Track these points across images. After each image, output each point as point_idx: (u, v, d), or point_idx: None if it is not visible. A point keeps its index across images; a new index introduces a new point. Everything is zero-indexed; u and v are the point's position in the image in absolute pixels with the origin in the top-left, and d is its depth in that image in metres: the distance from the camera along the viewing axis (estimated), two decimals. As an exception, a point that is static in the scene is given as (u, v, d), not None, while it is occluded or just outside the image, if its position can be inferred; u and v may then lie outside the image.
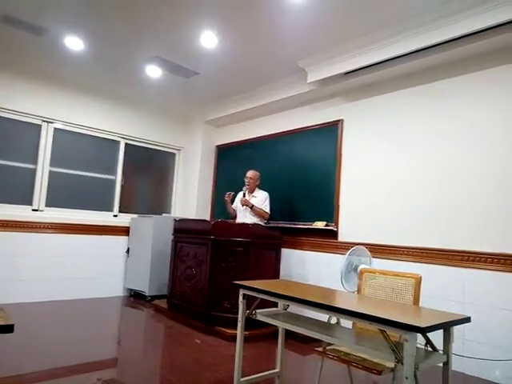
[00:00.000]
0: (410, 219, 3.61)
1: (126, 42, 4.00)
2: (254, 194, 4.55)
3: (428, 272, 3.25)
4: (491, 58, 3.21)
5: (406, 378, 1.48)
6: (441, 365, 1.78)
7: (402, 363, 1.52)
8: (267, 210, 4.46)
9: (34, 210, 4.80)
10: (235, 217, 4.67)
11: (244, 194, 4.48)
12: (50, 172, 4.94)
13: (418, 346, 1.70)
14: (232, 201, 4.69)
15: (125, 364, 3.02)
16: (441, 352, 1.79)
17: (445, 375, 1.77)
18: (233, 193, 4.63)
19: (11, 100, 4.60)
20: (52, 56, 4.44)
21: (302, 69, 4.21)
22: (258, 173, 4.61)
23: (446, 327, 1.73)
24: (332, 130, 4.40)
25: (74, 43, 4.07)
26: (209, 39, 3.78)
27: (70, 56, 4.39)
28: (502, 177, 3.09)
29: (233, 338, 3.04)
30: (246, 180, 4.54)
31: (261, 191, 4.57)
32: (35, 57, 4.51)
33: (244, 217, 4.45)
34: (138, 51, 4.19)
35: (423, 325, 1.48)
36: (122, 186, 5.61)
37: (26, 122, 4.78)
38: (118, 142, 5.61)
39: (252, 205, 4.41)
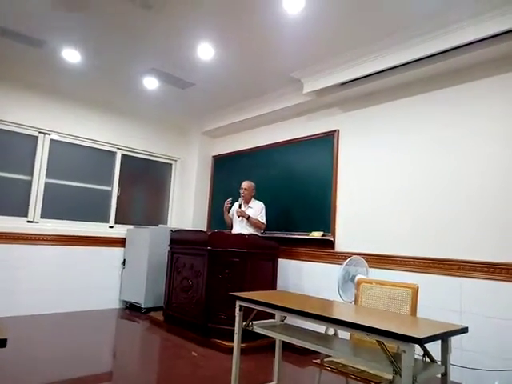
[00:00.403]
0: (406, 229, 3.62)
1: (123, 54, 4.03)
2: (249, 204, 4.55)
3: (425, 281, 3.24)
4: (490, 66, 3.23)
5: (405, 389, 1.47)
6: (439, 376, 1.77)
7: (400, 375, 1.51)
8: (263, 220, 4.46)
9: (29, 221, 4.76)
10: (231, 226, 4.67)
11: (240, 205, 4.48)
12: (46, 183, 4.92)
13: (416, 356, 1.69)
14: (229, 210, 4.70)
15: (120, 378, 2.97)
16: (439, 363, 1.78)
17: (443, 386, 1.76)
18: (230, 199, 4.62)
19: (8, 111, 4.60)
20: (49, 68, 4.46)
21: (298, 80, 4.25)
22: (252, 183, 4.62)
23: (444, 338, 1.72)
24: (328, 140, 4.42)
25: (71, 55, 4.09)
26: (205, 51, 3.82)
27: (67, 68, 4.41)
28: (499, 186, 3.10)
29: (230, 350, 3.00)
30: (241, 191, 4.55)
31: (256, 202, 4.58)
32: (32, 69, 4.53)
33: (240, 228, 4.44)
34: (134, 63, 4.22)
35: (421, 336, 1.47)
36: (118, 197, 5.59)
37: (22, 134, 4.77)
38: (114, 153, 5.61)
39: (248, 216, 4.41)
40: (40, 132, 4.90)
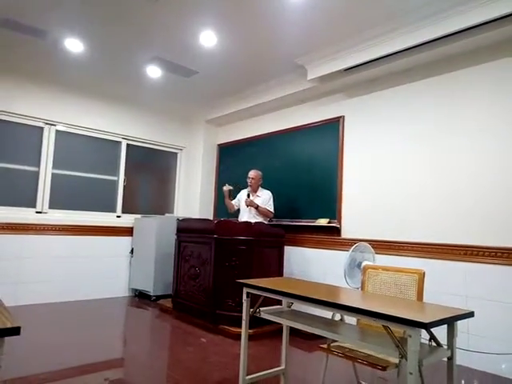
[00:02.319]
0: (412, 215, 3.61)
1: (126, 43, 4.01)
2: (257, 193, 4.55)
3: (431, 267, 3.25)
4: (495, 50, 3.19)
5: (411, 373, 1.49)
6: (446, 360, 1.79)
7: (406, 359, 1.52)
8: (271, 209, 4.47)
9: (37, 212, 4.83)
10: (234, 212, 4.70)
11: (248, 195, 4.48)
12: (53, 174, 4.96)
13: (423, 341, 1.70)
14: (234, 196, 4.69)
15: (131, 364, 3.04)
16: (445, 347, 1.79)
17: (449, 370, 1.77)
18: (226, 184, 4.65)
19: (13, 103, 4.62)
20: (53, 58, 4.45)
21: (302, 66, 4.21)
22: (259, 172, 4.61)
23: (450, 322, 1.73)
24: (333, 126, 4.39)
25: (74, 45, 4.08)
26: (208, 38, 3.78)
27: (71, 58, 4.40)
28: (505, 172, 3.08)
29: (238, 336, 3.05)
30: (249, 180, 4.54)
31: (264, 190, 4.57)
32: (36, 59, 4.53)
33: (248, 217, 4.45)
34: (137, 52, 4.20)
35: (426, 320, 1.48)
36: (125, 187, 5.63)
37: (28, 125, 4.80)
38: (119, 143, 5.62)
39: (257, 205, 4.41)
40: (46, 123, 4.92)
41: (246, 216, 4.49)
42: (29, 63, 4.60)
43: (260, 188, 4.60)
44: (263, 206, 4.43)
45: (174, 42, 3.93)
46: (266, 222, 4.44)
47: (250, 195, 4.51)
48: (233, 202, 4.72)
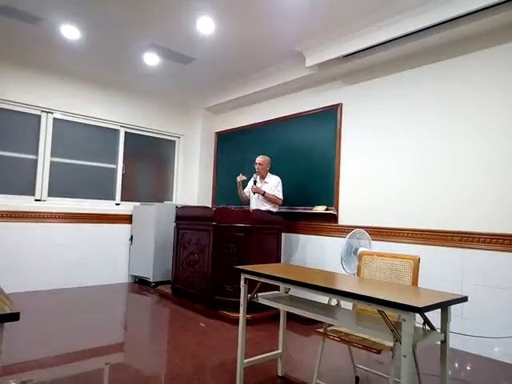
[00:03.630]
0: (408, 201, 3.63)
1: (122, 30, 3.96)
2: (265, 179, 4.45)
3: (428, 253, 3.30)
4: (495, 36, 3.16)
5: (404, 356, 1.53)
6: (439, 343, 1.83)
7: (401, 342, 1.56)
8: (279, 195, 4.34)
9: (36, 200, 4.84)
10: (247, 202, 4.63)
11: (255, 182, 4.38)
12: (52, 162, 4.96)
13: (417, 325, 1.74)
14: (244, 186, 4.64)
15: (132, 348, 3.09)
16: (439, 331, 1.83)
17: (443, 353, 1.82)
18: (241, 174, 4.54)
19: (9, 91, 4.60)
20: (49, 46, 4.40)
21: (300, 53, 4.18)
22: (267, 158, 4.50)
23: (443, 307, 1.76)
24: (331, 113, 4.39)
25: (70, 32, 4.03)
26: (205, 24, 3.74)
27: (67, 45, 4.35)
28: (501, 158, 3.09)
29: (236, 321, 3.10)
30: (256, 166, 4.44)
31: (273, 176, 4.46)
32: (33, 47, 4.47)
33: (256, 204, 4.39)
34: (134, 39, 4.15)
35: (420, 305, 1.51)
36: (123, 175, 5.63)
37: (25, 113, 4.78)
38: (117, 131, 5.61)
39: (263, 192, 4.32)
40: (43, 111, 4.90)
41: (254, 203, 4.42)
42: (25, 50, 4.54)
43: (269, 174, 4.49)
44: (271, 193, 4.34)
45: (171, 29, 3.89)
46: (275, 210, 4.36)
47: (259, 182, 4.44)
48: (245, 190, 4.65)
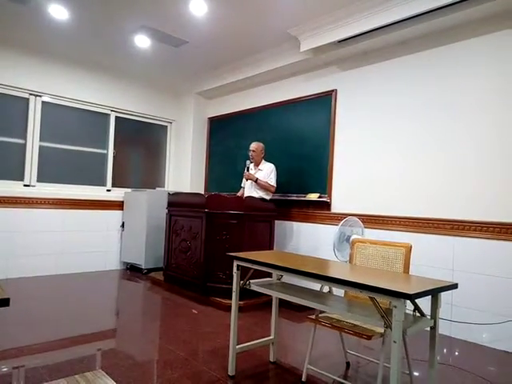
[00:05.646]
0: (400, 189, 3.64)
1: (112, 11, 3.85)
2: (259, 166, 4.41)
3: (419, 241, 3.32)
4: (490, 23, 3.14)
5: (395, 341, 1.54)
6: (428, 329, 1.85)
7: (391, 328, 1.57)
8: (272, 182, 4.29)
9: (25, 185, 4.76)
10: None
11: (247, 168, 4.34)
12: (41, 147, 4.87)
13: (408, 311, 1.76)
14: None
15: (124, 334, 3.09)
16: (428, 317, 1.85)
17: (432, 339, 1.84)
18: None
19: (-4, 73, 4.47)
20: (37, 26, 4.27)
21: (295, 37, 4.11)
22: (261, 144, 4.45)
23: (434, 293, 1.78)
24: (326, 100, 4.35)
25: (58, 12, 3.91)
26: (198, 6, 3.65)
27: (55, 26, 4.23)
28: (492, 146, 3.10)
29: (228, 308, 3.11)
30: (250, 153, 4.40)
31: (267, 163, 4.41)
32: (20, 27, 4.33)
33: (249, 191, 4.35)
34: (125, 20, 4.04)
35: (411, 292, 1.52)
36: (115, 159, 5.56)
37: (12, 96, 4.66)
38: (108, 115, 5.51)
39: (256, 178, 4.27)
40: (31, 94, 4.78)
41: (248, 190, 4.38)
42: (12, 31, 4.41)
43: (263, 161, 4.44)
44: (263, 180, 4.30)
45: (162, 10, 3.79)
46: (268, 197, 4.32)
47: (252, 168, 4.40)
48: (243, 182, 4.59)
